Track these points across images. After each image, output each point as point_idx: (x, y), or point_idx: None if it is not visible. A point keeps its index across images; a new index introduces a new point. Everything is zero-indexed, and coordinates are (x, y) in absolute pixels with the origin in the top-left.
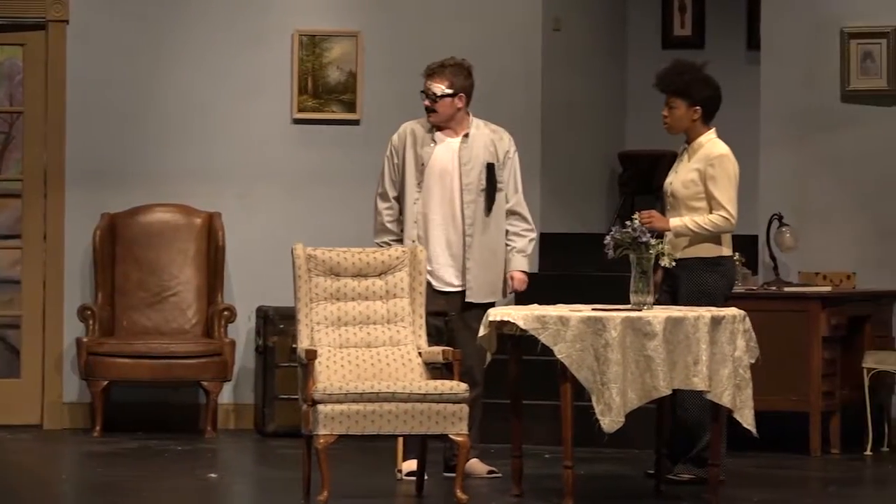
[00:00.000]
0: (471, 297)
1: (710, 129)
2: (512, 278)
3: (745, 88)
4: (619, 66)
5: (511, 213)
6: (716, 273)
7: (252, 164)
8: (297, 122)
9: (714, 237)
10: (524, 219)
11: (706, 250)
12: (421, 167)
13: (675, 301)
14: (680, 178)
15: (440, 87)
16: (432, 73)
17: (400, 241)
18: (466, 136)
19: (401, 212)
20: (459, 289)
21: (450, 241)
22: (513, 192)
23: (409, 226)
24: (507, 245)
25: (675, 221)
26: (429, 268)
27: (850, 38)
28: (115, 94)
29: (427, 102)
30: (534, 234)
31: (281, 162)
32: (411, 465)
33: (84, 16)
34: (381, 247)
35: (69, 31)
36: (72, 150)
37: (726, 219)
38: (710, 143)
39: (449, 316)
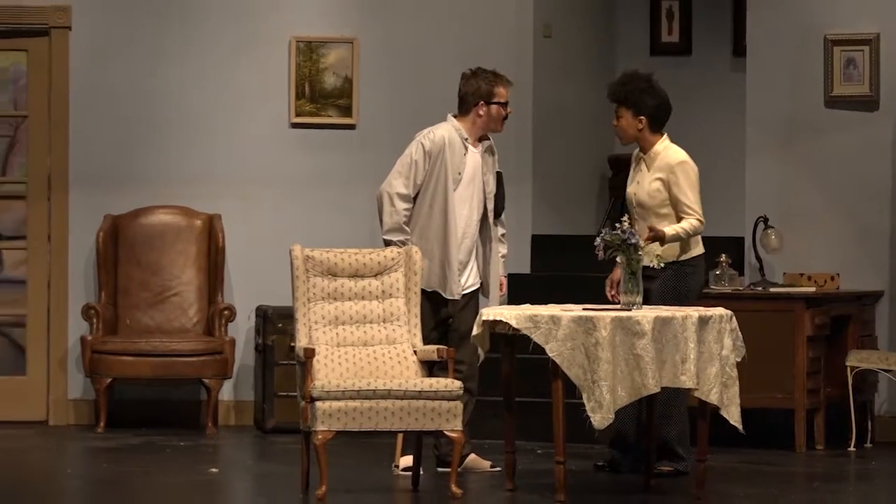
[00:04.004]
0: (493, 302)
1: (661, 136)
2: (502, 284)
3: (731, 94)
4: (608, 72)
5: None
6: (690, 276)
7: (251, 167)
8: (295, 126)
9: (687, 240)
10: (504, 224)
11: (683, 252)
12: (458, 176)
13: (646, 302)
14: (644, 188)
15: None
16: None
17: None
18: (486, 146)
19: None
20: (477, 286)
21: (474, 245)
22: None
23: (452, 228)
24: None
25: (669, 230)
26: (448, 273)
27: (833, 45)
28: (117, 99)
29: (510, 110)
30: None
31: (279, 165)
32: (408, 460)
33: (86, 23)
34: (392, 244)
35: (72, 37)
36: (75, 153)
37: (700, 221)
38: (667, 151)
39: (454, 317)
